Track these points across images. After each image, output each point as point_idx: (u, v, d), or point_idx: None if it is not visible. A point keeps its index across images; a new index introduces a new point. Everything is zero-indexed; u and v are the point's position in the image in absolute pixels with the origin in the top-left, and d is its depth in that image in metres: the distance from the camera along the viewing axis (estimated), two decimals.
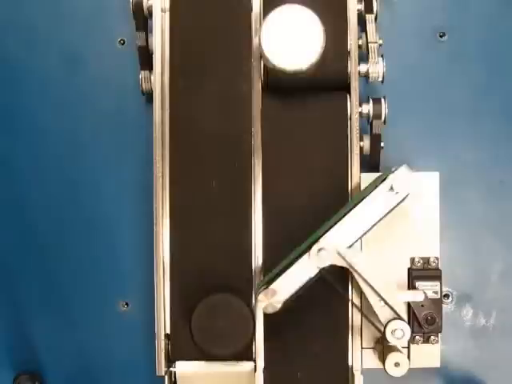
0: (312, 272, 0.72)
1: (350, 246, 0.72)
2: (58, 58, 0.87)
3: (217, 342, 0.73)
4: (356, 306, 0.75)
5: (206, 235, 0.76)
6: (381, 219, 0.72)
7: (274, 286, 0.71)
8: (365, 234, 0.72)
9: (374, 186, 0.73)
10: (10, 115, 0.87)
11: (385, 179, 0.71)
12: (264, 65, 0.76)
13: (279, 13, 0.70)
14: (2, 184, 0.87)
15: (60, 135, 0.87)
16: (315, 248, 0.71)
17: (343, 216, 0.72)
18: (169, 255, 0.77)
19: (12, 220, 0.87)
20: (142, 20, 0.79)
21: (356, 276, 0.72)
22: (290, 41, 0.70)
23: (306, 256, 0.71)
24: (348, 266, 0.72)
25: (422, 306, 0.75)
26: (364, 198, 0.72)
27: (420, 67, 0.87)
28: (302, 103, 0.77)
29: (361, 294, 0.75)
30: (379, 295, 0.72)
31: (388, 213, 0.72)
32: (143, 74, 0.81)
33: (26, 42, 0.87)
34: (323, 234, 0.72)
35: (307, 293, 0.74)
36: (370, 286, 0.72)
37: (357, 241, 0.72)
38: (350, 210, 0.72)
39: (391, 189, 0.71)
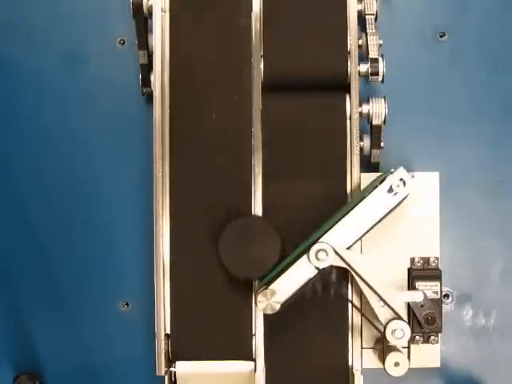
0: (311, 273, 0.72)
1: (349, 247, 0.72)
2: (57, 58, 0.87)
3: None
4: (356, 307, 0.75)
5: (206, 235, 0.76)
6: (380, 220, 0.72)
7: (273, 286, 0.71)
8: (364, 235, 0.72)
9: (373, 186, 0.73)
10: (10, 115, 0.87)
11: (384, 180, 0.71)
12: (264, 65, 0.76)
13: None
14: (2, 184, 0.87)
15: (60, 135, 0.87)
16: (314, 249, 0.71)
17: (342, 217, 0.72)
18: (169, 255, 0.77)
19: (12, 220, 0.87)
20: (143, 20, 0.79)
21: (355, 276, 0.72)
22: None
23: (305, 257, 0.71)
24: (347, 267, 0.72)
25: (422, 306, 0.76)
26: (363, 198, 0.72)
27: (420, 67, 0.87)
28: (302, 103, 0.77)
29: (361, 294, 0.75)
30: (378, 296, 0.72)
31: (387, 214, 0.72)
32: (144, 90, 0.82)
33: (25, 41, 0.87)
34: (322, 235, 0.72)
35: (307, 293, 0.75)
36: (369, 286, 0.72)
37: (356, 242, 0.72)
38: (349, 210, 0.72)
39: (390, 190, 0.71)
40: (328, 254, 0.71)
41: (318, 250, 0.71)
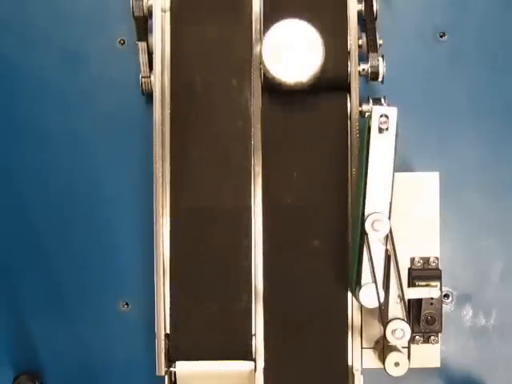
0: (380, 249, 0.71)
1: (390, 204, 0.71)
2: (58, 58, 0.87)
3: None
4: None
5: (205, 235, 0.76)
6: (394, 161, 0.71)
7: (364, 280, 0.71)
8: (392, 184, 0.71)
9: (363, 139, 0.72)
10: (10, 115, 0.87)
11: (369, 129, 0.70)
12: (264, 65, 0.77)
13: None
14: (2, 184, 0.87)
15: (60, 135, 0.87)
16: (369, 221, 0.70)
17: (365, 185, 0.71)
18: (169, 255, 0.77)
19: (12, 220, 0.87)
20: (143, 20, 0.79)
21: (392, 258, 0.72)
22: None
23: (366, 239, 0.71)
24: (391, 244, 0.72)
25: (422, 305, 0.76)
26: (365, 153, 0.71)
27: (420, 67, 0.87)
28: (302, 103, 0.77)
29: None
30: (400, 286, 0.72)
31: (395, 150, 0.71)
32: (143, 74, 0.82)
33: (25, 41, 0.87)
34: (363, 210, 0.71)
35: (307, 293, 0.75)
36: (398, 271, 0.72)
37: (392, 195, 0.71)
38: (366, 174, 0.71)
39: (380, 130, 0.70)
40: (381, 220, 0.70)
41: (373, 222, 0.70)
